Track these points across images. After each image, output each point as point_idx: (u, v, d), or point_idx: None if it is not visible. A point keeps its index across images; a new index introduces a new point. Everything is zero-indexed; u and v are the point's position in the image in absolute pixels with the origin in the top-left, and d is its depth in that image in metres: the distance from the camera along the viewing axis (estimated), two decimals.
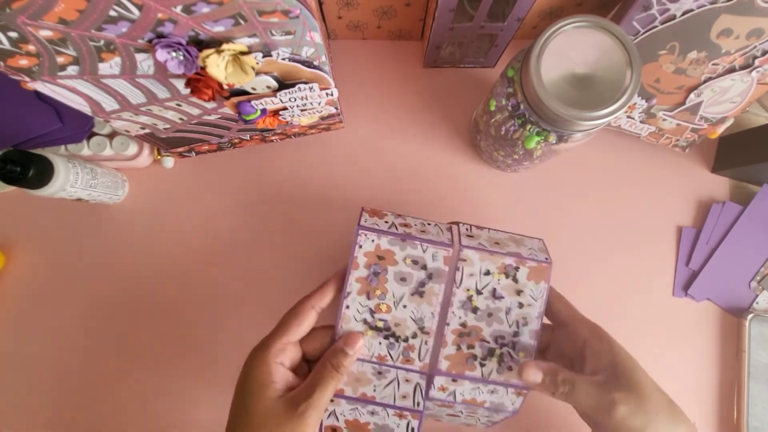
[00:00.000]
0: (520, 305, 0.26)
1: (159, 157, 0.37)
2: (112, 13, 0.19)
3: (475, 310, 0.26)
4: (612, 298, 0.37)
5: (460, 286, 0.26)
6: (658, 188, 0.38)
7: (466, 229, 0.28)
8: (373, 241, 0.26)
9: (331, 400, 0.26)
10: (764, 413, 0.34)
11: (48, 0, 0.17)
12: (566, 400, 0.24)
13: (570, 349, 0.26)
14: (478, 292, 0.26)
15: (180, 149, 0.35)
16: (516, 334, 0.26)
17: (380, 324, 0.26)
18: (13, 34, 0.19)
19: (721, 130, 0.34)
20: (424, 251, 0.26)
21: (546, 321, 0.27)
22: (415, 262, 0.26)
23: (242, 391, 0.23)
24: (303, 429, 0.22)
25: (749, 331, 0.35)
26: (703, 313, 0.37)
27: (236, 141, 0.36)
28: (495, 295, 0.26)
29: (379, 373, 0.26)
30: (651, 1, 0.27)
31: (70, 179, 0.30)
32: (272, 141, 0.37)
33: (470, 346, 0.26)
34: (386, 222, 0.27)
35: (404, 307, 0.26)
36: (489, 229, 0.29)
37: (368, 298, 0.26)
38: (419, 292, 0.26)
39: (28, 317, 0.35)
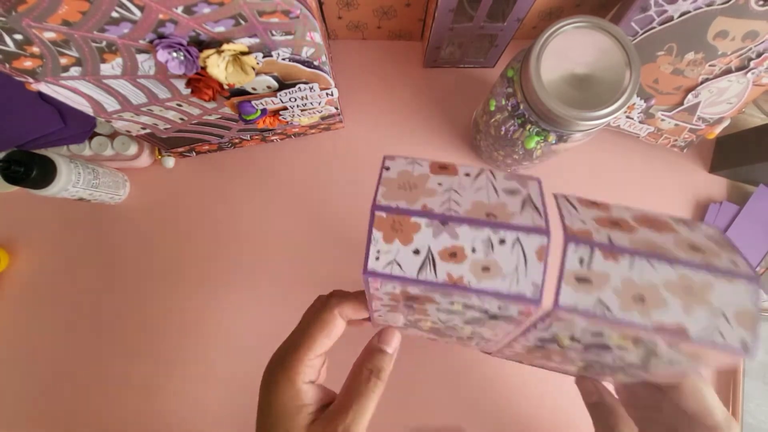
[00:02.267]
0: (644, 363, 0.16)
1: (160, 157, 0.37)
2: (114, 14, 0.19)
3: (560, 345, 0.17)
4: None
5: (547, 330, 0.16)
6: (656, 188, 0.39)
7: (586, 237, 0.14)
8: (394, 287, 0.15)
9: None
10: (759, 410, 0.34)
11: (52, 2, 0.18)
12: None
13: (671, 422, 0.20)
14: (573, 339, 0.16)
15: (180, 149, 0.35)
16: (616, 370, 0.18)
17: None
18: (18, 36, 0.19)
19: (718, 130, 0.34)
20: (483, 301, 0.15)
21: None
22: (468, 307, 0.16)
23: (269, 420, 0.19)
24: None
25: None
26: None
27: (236, 141, 0.36)
28: (601, 346, 0.16)
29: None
30: (649, 2, 0.27)
31: (72, 179, 0.30)
32: (272, 141, 0.37)
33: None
34: (417, 221, 0.14)
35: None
36: (641, 227, 0.15)
37: (404, 318, 0.19)
38: (476, 321, 0.17)
39: (32, 316, 0.35)
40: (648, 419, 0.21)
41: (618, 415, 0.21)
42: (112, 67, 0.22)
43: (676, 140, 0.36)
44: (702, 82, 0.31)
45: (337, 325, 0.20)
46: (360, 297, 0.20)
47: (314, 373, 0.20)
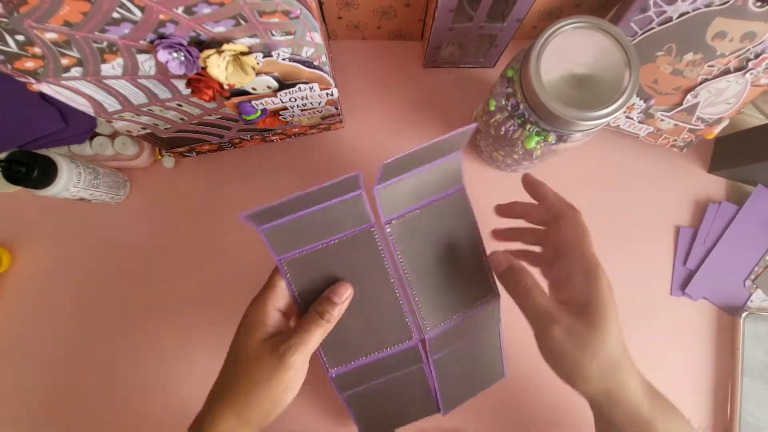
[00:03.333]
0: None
1: (160, 157, 0.37)
2: (115, 14, 0.19)
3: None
4: None
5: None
6: (656, 188, 0.39)
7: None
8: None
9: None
10: (756, 409, 0.34)
11: (53, 3, 0.18)
12: (517, 302, 0.24)
13: (557, 265, 0.25)
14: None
15: (181, 149, 0.35)
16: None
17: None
18: (20, 37, 0.19)
19: (717, 130, 0.34)
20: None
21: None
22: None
23: (238, 333, 0.25)
24: (283, 370, 0.22)
25: (744, 329, 0.35)
26: (700, 312, 0.37)
27: (237, 141, 0.36)
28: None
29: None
30: (648, 3, 0.27)
31: (73, 179, 0.30)
32: (272, 141, 0.37)
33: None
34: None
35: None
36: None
37: None
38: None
39: (33, 315, 0.36)
40: (550, 274, 0.26)
41: (523, 272, 0.24)
42: (112, 67, 0.22)
43: (675, 140, 0.36)
44: (701, 83, 0.31)
45: None
46: None
47: (282, 302, 0.25)
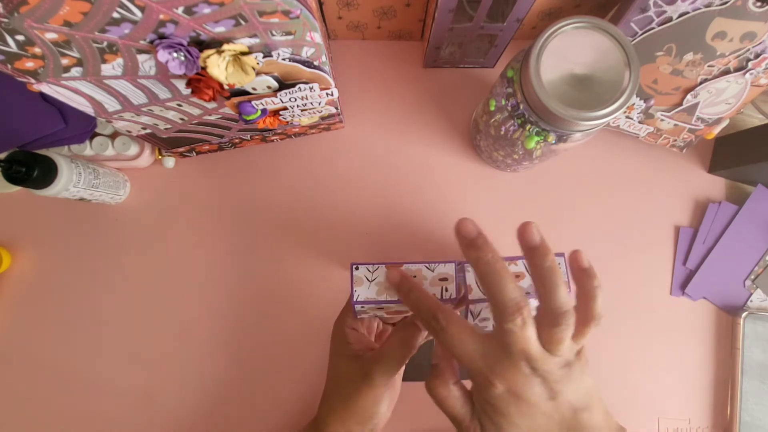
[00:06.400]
0: None
1: (160, 157, 0.37)
2: (115, 15, 0.19)
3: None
4: (611, 297, 0.37)
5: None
6: (656, 188, 0.39)
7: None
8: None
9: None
10: (756, 408, 0.34)
11: (54, 3, 0.18)
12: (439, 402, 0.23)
13: None
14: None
15: (181, 149, 0.35)
16: None
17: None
18: (20, 38, 0.19)
19: (717, 130, 0.34)
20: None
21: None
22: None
23: (331, 351, 0.28)
24: (371, 386, 0.24)
25: (743, 329, 0.35)
26: (700, 312, 0.37)
27: (237, 141, 0.36)
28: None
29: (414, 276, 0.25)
30: (648, 3, 0.27)
31: (73, 179, 0.30)
32: (272, 141, 0.37)
33: None
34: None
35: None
36: None
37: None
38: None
39: (33, 315, 0.36)
40: None
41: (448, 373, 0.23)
42: (113, 67, 0.22)
43: (675, 140, 0.36)
44: (701, 83, 0.31)
45: None
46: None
47: (357, 324, 0.28)
